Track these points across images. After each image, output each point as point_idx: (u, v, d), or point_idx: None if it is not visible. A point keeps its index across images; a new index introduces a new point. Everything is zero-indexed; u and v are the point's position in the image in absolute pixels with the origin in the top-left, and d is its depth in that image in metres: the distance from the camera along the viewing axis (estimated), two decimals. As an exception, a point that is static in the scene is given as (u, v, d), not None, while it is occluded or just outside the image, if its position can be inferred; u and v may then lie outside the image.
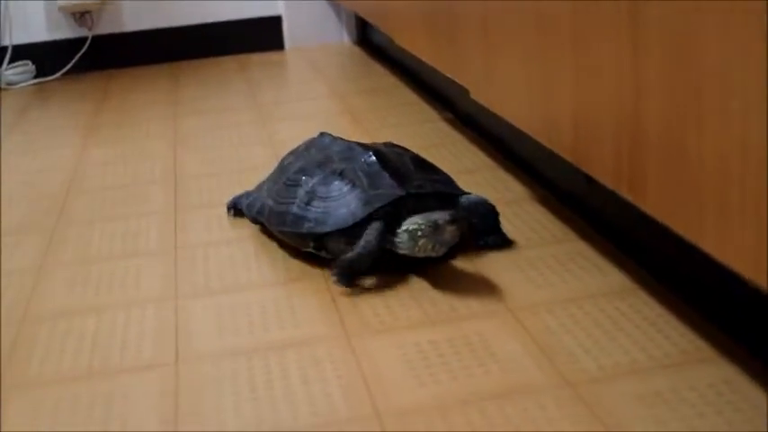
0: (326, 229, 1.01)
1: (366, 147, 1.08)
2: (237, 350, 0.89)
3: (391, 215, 0.99)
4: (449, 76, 1.32)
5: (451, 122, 1.61)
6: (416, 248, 0.96)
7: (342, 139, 1.14)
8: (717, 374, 0.77)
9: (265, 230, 1.16)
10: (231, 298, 1.01)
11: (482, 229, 1.06)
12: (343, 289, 0.98)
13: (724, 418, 0.71)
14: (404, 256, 0.98)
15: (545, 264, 1.01)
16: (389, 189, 1.01)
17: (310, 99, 1.90)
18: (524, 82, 0.99)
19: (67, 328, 0.97)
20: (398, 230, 0.97)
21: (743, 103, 0.59)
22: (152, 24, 2.43)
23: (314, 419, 0.77)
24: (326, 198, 1.03)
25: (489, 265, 1.02)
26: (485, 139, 1.48)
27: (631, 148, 0.76)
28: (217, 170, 1.47)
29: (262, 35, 2.48)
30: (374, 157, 1.05)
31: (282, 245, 1.12)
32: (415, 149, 1.18)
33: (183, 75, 2.28)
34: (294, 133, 1.63)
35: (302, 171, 1.08)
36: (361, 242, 0.98)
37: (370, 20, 1.88)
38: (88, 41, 2.38)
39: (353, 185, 1.03)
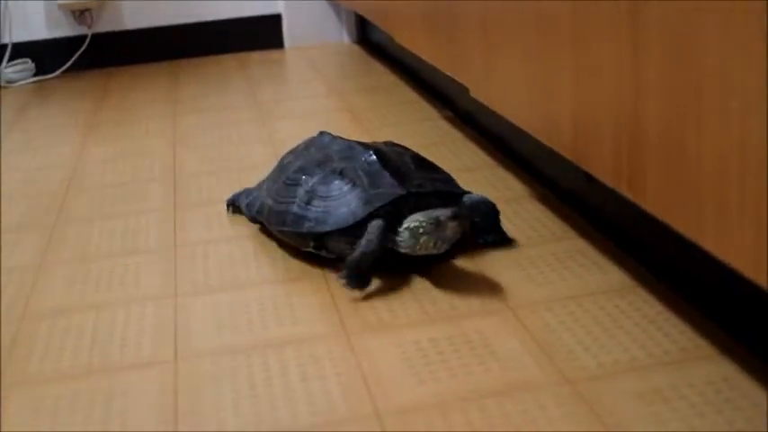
0: (327, 228, 1.01)
1: (366, 146, 1.08)
2: (236, 348, 0.89)
3: (392, 214, 0.98)
4: (449, 74, 1.33)
5: (451, 121, 1.61)
6: (418, 246, 0.96)
7: (341, 137, 1.13)
8: (716, 372, 0.77)
9: (264, 229, 1.16)
10: (230, 296, 1.01)
11: (482, 228, 1.06)
12: (351, 291, 0.97)
13: (723, 416, 0.71)
14: (405, 254, 0.98)
15: (545, 262, 1.01)
16: (390, 188, 1.01)
17: (310, 97, 1.90)
18: (524, 80, 0.99)
19: (67, 326, 0.97)
20: (399, 229, 0.97)
21: (742, 102, 0.59)
22: (152, 22, 2.43)
23: (313, 417, 0.77)
24: (327, 197, 1.03)
25: (489, 263, 1.02)
26: (484, 138, 1.48)
27: (631, 147, 0.76)
28: (216, 168, 1.47)
29: (261, 34, 2.48)
30: (374, 156, 1.04)
31: (282, 244, 1.12)
32: (414, 148, 1.18)
33: (182, 73, 2.28)
34: (294, 132, 1.63)
35: (302, 170, 1.08)
36: (363, 241, 0.97)
37: (369, 18, 1.88)
38: (88, 39, 2.38)
39: (354, 185, 1.02)
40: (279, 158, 1.19)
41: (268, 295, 1.00)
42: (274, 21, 2.48)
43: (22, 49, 2.36)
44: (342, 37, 2.49)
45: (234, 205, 1.25)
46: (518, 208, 1.17)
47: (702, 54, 0.63)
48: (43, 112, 2.01)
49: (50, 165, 1.58)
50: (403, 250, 0.98)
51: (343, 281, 0.97)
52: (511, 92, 1.04)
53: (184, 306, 0.99)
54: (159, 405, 0.81)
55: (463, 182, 1.17)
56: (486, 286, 0.97)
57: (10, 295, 1.06)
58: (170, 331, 0.94)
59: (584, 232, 1.08)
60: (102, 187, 1.43)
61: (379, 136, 1.54)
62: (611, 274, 0.97)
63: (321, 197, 1.03)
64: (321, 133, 1.16)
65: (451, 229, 0.94)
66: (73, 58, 2.38)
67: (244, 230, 1.19)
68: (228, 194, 1.28)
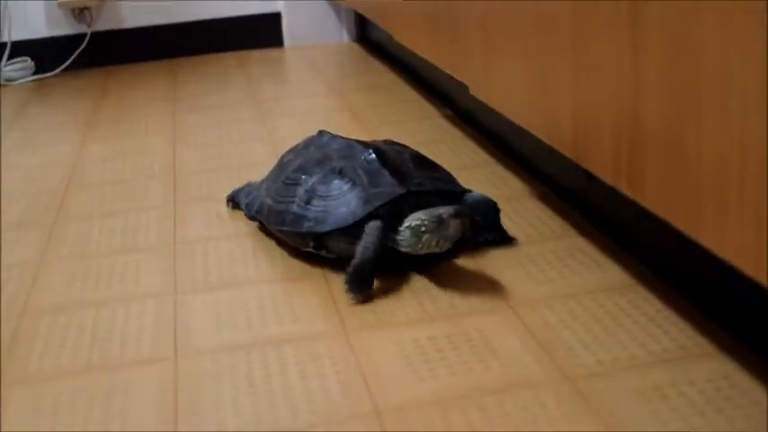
0: (326, 228, 1.00)
1: (366, 144, 1.08)
2: (236, 345, 0.89)
3: (392, 213, 0.98)
4: (448, 72, 1.32)
5: (451, 119, 1.61)
6: (420, 245, 0.95)
7: (341, 136, 1.13)
8: (716, 370, 0.77)
9: (264, 228, 1.16)
10: (230, 293, 1.01)
11: (483, 227, 1.06)
12: (356, 299, 0.95)
13: (723, 414, 0.71)
14: (405, 253, 0.97)
15: (544, 260, 1.01)
16: (389, 187, 1.00)
17: (310, 96, 1.90)
18: (524, 78, 0.99)
19: (67, 323, 0.97)
20: (400, 228, 0.96)
21: (742, 99, 0.59)
22: (151, 21, 2.43)
23: (312, 415, 0.77)
24: (326, 197, 1.03)
25: (489, 261, 1.02)
26: (484, 136, 1.48)
27: (631, 144, 0.76)
28: (216, 166, 1.47)
29: (261, 32, 2.48)
30: (374, 155, 1.04)
31: (281, 242, 1.12)
32: (414, 146, 1.17)
33: (182, 71, 2.28)
34: (293, 130, 1.63)
35: (301, 169, 1.08)
36: (360, 248, 0.96)
37: (369, 17, 1.88)
38: (87, 38, 2.38)
39: (353, 184, 1.02)
40: (278, 157, 1.19)
41: (267, 293, 1.00)
42: (274, 19, 2.48)
43: (21, 48, 2.36)
44: (341, 35, 2.49)
45: (234, 201, 1.25)
46: (518, 206, 1.17)
47: (702, 52, 0.63)
48: (43, 110, 2.01)
49: (50, 163, 1.58)
50: (404, 249, 0.97)
51: (346, 286, 0.95)
52: (511, 90, 1.04)
53: (184, 303, 0.99)
54: (159, 402, 0.81)
55: (463, 180, 1.17)
56: (486, 284, 0.97)
57: (10, 292, 1.06)
58: (170, 329, 0.94)
59: (583, 230, 1.08)
60: (102, 185, 1.43)
61: (379, 134, 1.54)
62: (611, 272, 0.97)
63: (320, 196, 1.03)
64: (320, 132, 1.16)
65: (454, 226, 0.93)
66: (72, 57, 2.38)
67: (243, 228, 1.19)
68: (228, 192, 1.28)
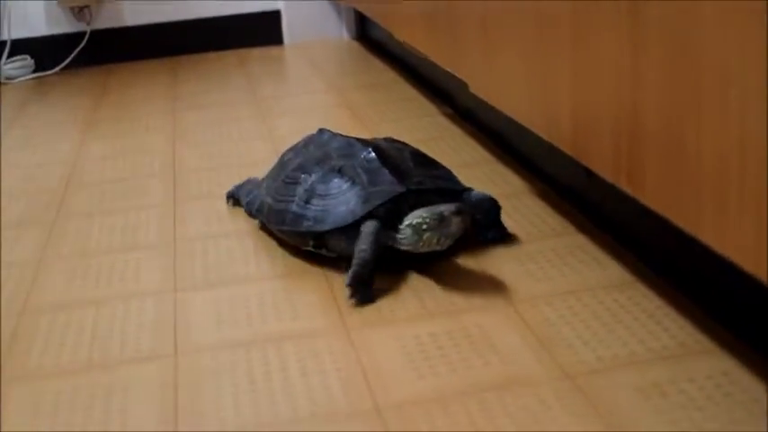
0: (326, 227, 1.00)
1: (365, 142, 1.07)
2: (236, 342, 0.89)
3: (391, 212, 0.98)
4: (448, 70, 1.32)
5: (450, 117, 1.61)
6: (421, 243, 0.95)
7: (341, 134, 1.13)
8: (715, 366, 0.77)
9: (264, 226, 1.16)
10: (230, 291, 1.01)
11: (483, 224, 1.06)
12: (361, 305, 0.94)
13: (722, 410, 0.72)
14: (405, 252, 0.97)
15: (544, 257, 1.01)
16: (389, 186, 1.00)
17: (309, 94, 1.90)
18: (524, 76, 0.99)
19: (67, 321, 0.97)
20: (401, 226, 0.96)
21: (742, 97, 0.59)
22: (151, 19, 2.42)
23: (313, 412, 0.77)
24: (326, 196, 1.02)
25: (489, 259, 1.02)
26: (484, 134, 1.48)
27: (630, 142, 0.76)
28: (216, 164, 1.47)
29: (261, 30, 2.48)
30: (374, 154, 1.04)
31: (281, 241, 1.12)
32: (414, 144, 1.18)
33: (182, 69, 2.28)
34: (294, 128, 1.63)
35: (301, 168, 1.07)
36: (356, 252, 0.95)
37: (369, 15, 1.88)
38: (87, 36, 2.38)
39: (353, 183, 1.02)
40: (279, 155, 1.19)
41: (268, 290, 1.00)
42: (274, 17, 2.48)
43: (21, 46, 2.36)
44: (341, 34, 2.49)
45: (234, 197, 1.25)
46: (518, 204, 1.17)
47: (702, 52, 0.63)
48: (43, 108, 2.01)
49: (50, 161, 1.58)
50: (404, 248, 0.96)
51: (349, 291, 0.95)
52: (510, 87, 1.04)
53: (184, 301, 1.00)
54: (159, 400, 0.81)
55: (463, 178, 1.17)
56: (486, 282, 0.97)
57: (10, 290, 1.06)
58: (170, 326, 0.94)
59: (583, 228, 1.08)
60: (102, 183, 1.43)
61: (379, 132, 1.54)
62: (611, 270, 0.97)
63: (320, 195, 1.03)
64: (321, 130, 1.16)
65: (456, 224, 0.92)
66: (72, 55, 2.38)
67: (243, 226, 1.19)
68: (228, 189, 1.28)
